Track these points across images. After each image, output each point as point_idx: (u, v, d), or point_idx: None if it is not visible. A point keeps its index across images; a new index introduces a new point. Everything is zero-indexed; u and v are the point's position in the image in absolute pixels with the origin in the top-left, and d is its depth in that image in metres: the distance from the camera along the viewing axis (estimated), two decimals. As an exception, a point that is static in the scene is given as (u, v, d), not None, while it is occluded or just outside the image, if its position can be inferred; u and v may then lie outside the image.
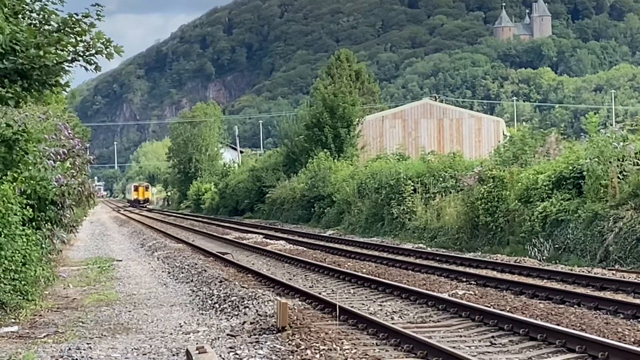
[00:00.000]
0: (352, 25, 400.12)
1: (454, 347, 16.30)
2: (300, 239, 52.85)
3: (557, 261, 33.47)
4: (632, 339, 16.72)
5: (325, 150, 79.89)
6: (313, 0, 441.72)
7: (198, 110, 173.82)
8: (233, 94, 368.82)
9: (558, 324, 18.36)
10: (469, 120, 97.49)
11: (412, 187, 53.56)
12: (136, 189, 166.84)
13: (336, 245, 45.90)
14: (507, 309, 21.00)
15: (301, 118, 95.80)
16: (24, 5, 21.32)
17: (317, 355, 16.41)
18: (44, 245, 33.26)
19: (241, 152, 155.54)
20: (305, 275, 31.83)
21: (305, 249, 45.15)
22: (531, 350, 16.72)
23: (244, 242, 50.77)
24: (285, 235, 56.13)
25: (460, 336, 18.40)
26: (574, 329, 17.70)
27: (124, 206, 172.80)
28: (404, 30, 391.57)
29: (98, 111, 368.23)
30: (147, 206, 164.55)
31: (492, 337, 18.24)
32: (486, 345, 17.27)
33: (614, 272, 29.38)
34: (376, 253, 39.74)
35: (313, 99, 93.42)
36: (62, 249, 44.33)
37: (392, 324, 19.40)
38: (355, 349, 16.93)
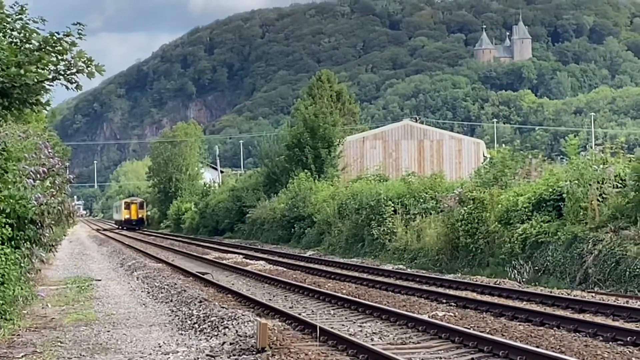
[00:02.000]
0: (333, 46, 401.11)
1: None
2: (281, 259, 52.93)
3: (537, 283, 33.50)
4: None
5: (305, 170, 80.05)
6: (294, 21, 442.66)
7: (179, 130, 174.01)
8: (214, 114, 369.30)
9: (538, 346, 18.41)
10: (450, 142, 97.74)
11: (393, 208, 53.61)
12: (127, 206, 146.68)
13: (316, 266, 45.96)
14: (487, 331, 21.05)
15: (282, 138, 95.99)
16: (4, 24, 21.31)
17: (299, 383, 16.47)
18: (22, 265, 33.18)
19: (221, 171, 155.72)
20: (286, 296, 31.84)
21: (285, 269, 45.18)
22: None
23: (224, 262, 50.81)
24: (265, 256, 56.19)
25: (440, 358, 18.43)
26: (553, 351, 17.74)
27: (109, 228, 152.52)
28: (385, 52, 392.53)
29: (78, 130, 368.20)
30: (142, 228, 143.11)
31: (472, 358, 18.29)
32: (467, 367, 17.33)
33: (593, 294, 29.42)
34: (356, 274, 39.79)
35: (294, 119, 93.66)
36: (40, 268, 44.20)
37: (372, 345, 19.42)
38: (337, 371, 16.99)
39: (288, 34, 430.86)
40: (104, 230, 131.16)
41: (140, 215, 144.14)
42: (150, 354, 20.20)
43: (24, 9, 22.25)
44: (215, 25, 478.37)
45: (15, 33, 21.57)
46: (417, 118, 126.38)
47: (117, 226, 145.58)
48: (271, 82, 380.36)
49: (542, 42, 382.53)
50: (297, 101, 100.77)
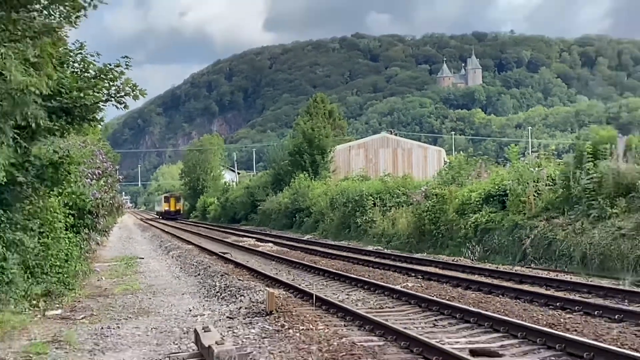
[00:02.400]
0: (325, 74, 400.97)
1: (405, 328, 16.35)
2: (285, 242, 52.73)
3: (486, 260, 33.58)
4: (544, 322, 16.82)
5: (304, 172, 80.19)
6: (295, 55, 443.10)
7: (205, 141, 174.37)
8: (232, 128, 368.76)
9: (486, 310, 18.45)
10: (417, 150, 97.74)
11: (372, 202, 53.63)
12: (167, 200, 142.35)
13: (313, 247, 45.83)
14: (447, 298, 21.08)
15: (286, 147, 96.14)
16: (68, 57, 21.30)
17: (298, 334, 16.45)
18: (82, 246, 33.29)
19: (238, 173, 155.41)
20: (289, 271, 31.84)
21: (288, 249, 45.11)
22: (466, 330, 16.81)
23: (240, 244, 50.69)
24: (272, 239, 55.97)
25: (410, 319, 18.49)
26: (499, 314, 17.80)
27: (152, 218, 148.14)
28: (366, 79, 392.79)
29: (126, 140, 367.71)
30: (177, 219, 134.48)
31: (435, 320, 18.38)
32: (430, 327, 17.37)
33: (530, 269, 29.48)
34: (344, 253, 39.71)
35: (295, 132, 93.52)
36: (96, 249, 44.23)
37: (357, 309, 19.47)
38: (328, 328, 16.99)
39: (290, 65, 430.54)
40: (147, 219, 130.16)
41: (177, 208, 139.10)
42: (182, 316, 20.23)
43: (83, 45, 22.21)
44: (233, 58, 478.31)
45: (76, 64, 21.56)
46: (392, 131, 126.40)
47: (158, 216, 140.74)
48: (277, 102, 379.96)
49: (490, 72, 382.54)
50: (298, 118, 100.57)
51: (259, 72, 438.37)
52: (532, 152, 50.34)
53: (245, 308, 20.98)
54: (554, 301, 20.25)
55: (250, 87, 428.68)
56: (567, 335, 14.74)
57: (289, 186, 79.48)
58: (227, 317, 19.73)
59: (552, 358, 13.81)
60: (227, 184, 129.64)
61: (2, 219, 22.30)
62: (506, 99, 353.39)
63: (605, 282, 23.82)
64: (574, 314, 18.51)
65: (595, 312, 18.37)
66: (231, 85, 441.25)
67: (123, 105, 22.31)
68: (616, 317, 17.64)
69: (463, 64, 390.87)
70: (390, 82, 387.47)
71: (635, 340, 14.68)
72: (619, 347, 13.57)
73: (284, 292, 23.31)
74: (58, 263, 25.45)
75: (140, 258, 40.92)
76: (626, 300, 20.08)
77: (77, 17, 20.64)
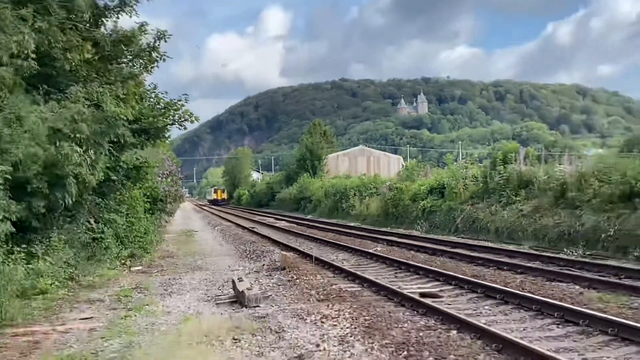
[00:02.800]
0: (321, 106, 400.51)
1: (375, 278, 16.35)
2: (293, 220, 52.63)
3: (430, 232, 33.57)
4: (470, 274, 16.85)
5: (307, 173, 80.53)
6: (300, 93, 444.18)
7: (239, 151, 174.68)
8: (258, 143, 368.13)
9: (431, 266, 18.45)
10: (384, 158, 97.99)
11: (353, 193, 53.73)
12: (215, 191, 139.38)
13: (312, 224, 45.79)
14: (404, 258, 21.02)
15: (294, 156, 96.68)
16: (145, 94, 21.34)
17: (302, 282, 16.48)
18: (155, 223, 33.47)
19: (262, 173, 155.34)
20: (296, 239, 31.78)
21: (296, 225, 45.07)
22: (417, 280, 16.81)
23: (263, 221, 50.71)
24: (285, 219, 55.92)
25: (379, 272, 18.47)
26: (439, 269, 17.79)
27: (203, 204, 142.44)
28: (349, 109, 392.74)
29: (185, 151, 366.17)
30: (223, 205, 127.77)
31: (396, 273, 18.35)
32: (393, 278, 17.34)
33: (460, 238, 29.49)
34: (334, 228, 39.67)
35: (300, 145, 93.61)
36: (165, 225, 44.25)
37: (343, 266, 19.47)
38: (323, 279, 17.01)
39: (297, 100, 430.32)
40: (200, 205, 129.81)
41: (222, 197, 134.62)
42: (224, 271, 20.19)
43: (155, 86, 22.28)
44: (259, 95, 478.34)
45: (151, 99, 21.60)
46: (367, 145, 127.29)
47: (209, 203, 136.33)
48: (288, 125, 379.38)
49: (433, 104, 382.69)
50: (302, 136, 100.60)
51: (276, 105, 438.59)
52: (461, 159, 50.24)
53: (267, 265, 21.03)
54: (476, 260, 20.29)
55: (270, 115, 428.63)
56: (486, 283, 14.78)
57: (296, 182, 79.65)
58: (254, 271, 19.74)
59: (476, 298, 13.84)
60: (254, 180, 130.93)
61: (101, 204, 22.36)
62: (444, 122, 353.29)
63: (511, 247, 23.83)
64: (490, 268, 18.55)
65: (505, 267, 18.41)
66: (257, 114, 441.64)
67: (183, 127, 22.40)
68: (519, 270, 17.68)
69: (415, 99, 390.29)
70: (365, 112, 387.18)
71: (532, 287, 14.73)
72: (520, 291, 13.63)
73: (293, 254, 23.27)
74: (139, 235, 25.60)
75: (195, 231, 40.88)
76: (526, 259, 20.10)
77: (151, 67, 20.62)
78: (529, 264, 18.62)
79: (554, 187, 27.54)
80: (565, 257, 19.89)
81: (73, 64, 16.79)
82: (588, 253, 21.12)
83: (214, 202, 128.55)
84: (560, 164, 30.24)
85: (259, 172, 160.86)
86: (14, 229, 13.42)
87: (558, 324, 11.10)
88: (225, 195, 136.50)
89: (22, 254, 14.36)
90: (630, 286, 14.17)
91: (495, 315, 12.06)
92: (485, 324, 10.78)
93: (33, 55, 14.18)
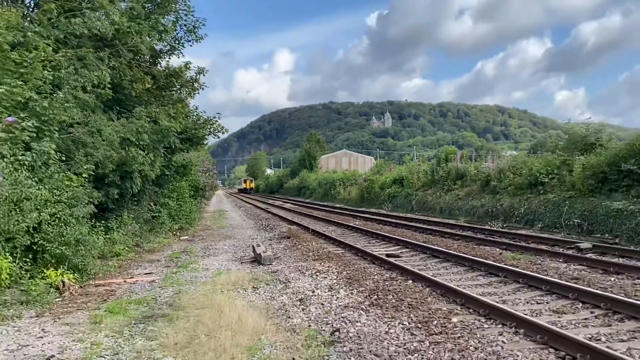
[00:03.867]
0: (316, 121, 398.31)
1: (354, 244, 16.34)
2: (296, 203, 52.50)
3: (394, 211, 33.53)
4: (422, 240, 16.83)
5: (306, 169, 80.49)
6: (301, 112, 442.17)
7: (257, 154, 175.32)
8: (271, 148, 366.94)
9: (394, 235, 18.43)
10: (360, 158, 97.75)
11: (339, 183, 53.64)
12: (245, 181, 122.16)
13: (309, 206, 45.67)
14: (374, 229, 21.00)
15: (297, 157, 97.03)
16: (190, 113, 21.25)
17: (302, 247, 16.45)
18: (197, 205, 33.28)
19: (274, 169, 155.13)
20: (298, 216, 31.70)
21: (298, 207, 44.98)
22: (384, 245, 16.77)
23: (274, 204, 50.59)
24: (290, 202, 55.78)
25: (357, 239, 18.39)
26: (400, 237, 17.76)
27: (233, 192, 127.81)
28: (335, 123, 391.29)
29: (219, 154, 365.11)
30: (250, 193, 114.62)
31: (369, 240, 18.28)
32: (367, 243, 17.31)
33: (415, 215, 29.48)
34: (325, 209, 39.58)
35: (301, 149, 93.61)
36: (204, 207, 44.12)
37: (331, 235, 19.43)
38: (317, 244, 16.97)
39: (299, 117, 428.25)
40: (230, 193, 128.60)
41: (251, 186, 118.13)
42: (246, 239, 20.15)
43: (197, 107, 22.14)
44: (271, 113, 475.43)
45: (193, 116, 21.49)
46: (348, 149, 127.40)
47: (239, 192, 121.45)
48: (292, 135, 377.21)
49: (396, 119, 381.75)
50: (303, 143, 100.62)
51: (284, 120, 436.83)
52: (416, 159, 50.16)
53: (277, 235, 20.98)
54: (426, 230, 20.28)
55: (279, 128, 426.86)
56: (433, 246, 14.78)
57: (298, 175, 79.60)
58: (268, 239, 19.70)
59: (425, 257, 13.84)
60: (268, 175, 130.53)
61: (158, 192, 22.32)
62: (404, 133, 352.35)
63: (451, 221, 23.84)
64: (435, 236, 18.55)
65: (446, 235, 18.42)
66: (270, 127, 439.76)
67: (217, 136, 22.27)
68: (456, 237, 17.67)
69: (383, 116, 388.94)
70: (347, 125, 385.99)
71: (465, 249, 14.74)
72: (457, 252, 13.63)
73: (296, 227, 23.23)
74: (185, 213, 25.52)
75: (225, 211, 40.77)
76: (461, 230, 20.12)
77: (194, 94, 20.55)
78: (463, 233, 18.64)
79: (481, 178, 27.61)
80: (489, 228, 19.92)
81: (137, 91, 16.82)
82: (505, 225, 21.19)
83: (243, 191, 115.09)
84: (485, 162, 30.28)
85: (271, 168, 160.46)
86: (96, 210, 13.51)
87: (484, 276, 11.13)
88: (253, 185, 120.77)
89: (102, 228, 14.41)
90: (534, 248, 14.22)
91: (439, 270, 12.08)
92: (432, 276, 10.81)
93: (109, 86, 14.24)
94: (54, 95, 12.06)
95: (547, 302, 8.75)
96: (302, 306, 8.91)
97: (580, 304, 8.45)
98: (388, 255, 13.96)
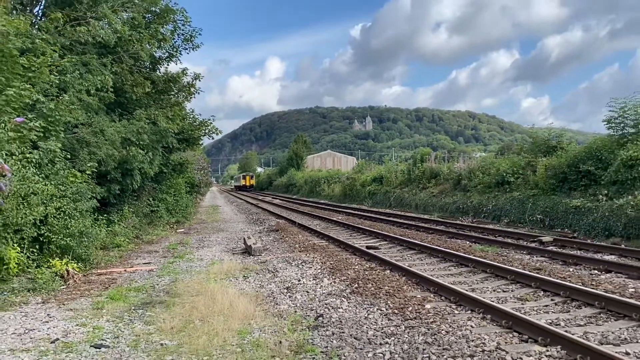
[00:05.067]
0: (303, 125, 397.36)
1: (337, 236, 16.36)
2: (284, 199, 52.47)
3: (374, 207, 33.60)
4: (399, 234, 16.87)
5: (293, 168, 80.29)
6: (289, 115, 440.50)
7: (248, 154, 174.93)
8: (261, 148, 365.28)
9: (373, 228, 18.46)
10: (343, 158, 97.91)
11: (324, 181, 53.64)
12: (244, 177, 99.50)
13: (296, 201, 45.66)
14: (356, 223, 21.03)
15: (286, 156, 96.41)
16: (186, 115, 21.13)
17: (289, 239, 16.40)
18: (193, 200, 33.07)
19: (264, 168, 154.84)
20: (286, 212, 31.64)
21: (285, 202, 44.92)
22: (365, 238, 16.80)
23: (264, 199, 50.47)
24: (278, 197, 55.75)
25: (340, 233, 18.42)
26: (379, 230, 17.81)
27: (226, 190, 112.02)
28: (321, 127, 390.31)
29: (213, 153, 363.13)
30: (250, 190, 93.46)
31: (351, 233, 18.30)
32: (349, 236, 17.32)
33: (393, 210, 29.54)
34: (310, 204, 39.58)
35: (289, 150, 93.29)
36: (199, 202, 43.90)
37: (316, 228, 19.41)
38: (303, 237, 16.94)
39: (288, 119, 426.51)
40: (223, 189, 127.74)
41: (251, 183, 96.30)
42: (238, 232, 20.07)
43: (193, 110, 22.07)
44: (262, 117, 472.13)
45: (190, 118, 21.38)
46: (332, 150, 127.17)
47: (236, 189, 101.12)
48: (281, 137, 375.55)
49: (376, 123, 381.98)
50: (291, 144, 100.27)
51: (274, 123, 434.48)
52: (394, 159, 50.37)
53: (267, 228, 20.93)
54: (403, 225, 20.36)
55: (269, 130, 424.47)
56: (409, 239, 14.83)
57: (286, 174, 79.35)
58: (258, 232, 19.65)
59: (402, 249, 13.89)
60: (259, 173, 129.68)
61: (157, 188, 22.19)
62: (383, 135, 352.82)
63: (425, 217, 23.97)
64: (411, 230, 18.62)
65: (421, 229, 18.49)
66: (260, 129, 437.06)
67: (211, 137, 22.19)
68: (430, 231, 17.76)
69: (364, 120, 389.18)
70: (331, 128, 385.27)
71: (438, 242, 14.79)
72: (430, 245, 13.69)
73: (284, 221, 23.22)
74: (182, 208, 25.39)
75: (219, 206, 40.60)
76: (434, 224, 20.22)
77: (190, 98, 20.45)
78: (436, 227, 18.73)
79: (453, 177, 27.74)
80: (460, 222, 20.04)
81: (138, 95, 16.68)
82: (475, 220, 21.33)
83: (242, 189, 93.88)
84: (457, 163, 30.46)
85: (262, 167, 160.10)
86: (98, 204, 13.40)
87: (455, 266, 11.20)
88: (253, 182, 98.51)
89: (104, 221, 14.28)
90: (501, 241, 14.33)
91: (414, 261, 12.13)
92: (408, 266, 10.85)
93: (111, 89, 14.13)
94: (60, 97, 11.97)
95: (512, 291, 8.82)
96: (288, 293, 8.90)
97: (542, 292, 8.54)
98: (368, 247, 14.00)
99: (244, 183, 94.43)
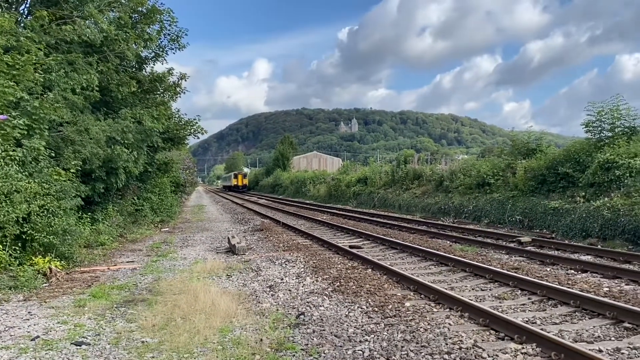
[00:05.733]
0: (290, 126, 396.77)
1: (321, 236, 16.34)
2: (269, 199, 52.39)
3: (358, 207, 33.63)
4: (382, 233, 16.89)
5: (280, 168, 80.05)
6: (276, 116, 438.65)
7: (235, 154, 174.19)
8: (248, 148, 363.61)
9: (357, 228, 18.47)
10: (329, 159, 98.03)
11: (309, 181, 53.60)
12: (235, 176, 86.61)
13: (282, 202, 45.60)
14: (340, 223, 21.03)
15: (272, 157, 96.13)
16: (172, 114, 21.00)
17: (274, 239, 16.37)
18: (178, 200, 32.86)
19: (250, 168, 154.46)
20: (271, 211, 31.56)
21: (271, 202, 44.81)
22: (348, 237, 16.79)
23: (250, 199, 50.31)
24: (264, 198, 55.65)
25: (324, 232, 18.41)
26: (362, 230, 17.81)
27: (213, 190, 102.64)
28: (307, 128, 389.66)
29: (199, 153, 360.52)
30: (245, 192, 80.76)
31: (335, 232, 18.30)
32: (333, 235, 17.33)
33: (376, 211, 29.58)
34: (295, 204, 39.56)
35: (276, 150, 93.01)
36: (184, 201, 43.63)
37: (301, 228, 19.38)
38: (287, 236, 16.91)
39: (274, 121, 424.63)
40: (209, 189, 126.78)
41: (244, 183, 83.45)
42: (222, 231, 19.98)
43: (179, 110, 21.94)
44: (249, 117, 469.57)
45: (176, 118, 21.25)
46: (318, 151, 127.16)
47: (225, 190, 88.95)
48: (268, 137, 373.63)
49: (362, 125, 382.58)
50: (277, 144, 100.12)
51: (260, 124, 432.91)
52: (378, 160, 50.52)
53: (252, 227, 20.85)
54: (386, 224, 20.41)
55: (256, 130, 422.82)
56: (391, 239, 14.87)
57: (272, 174, 79.07)
58: (243, 231, 19.58)
59: (384, 249, 13.92)
60: (246, 173, 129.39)
61: (142, 187, 22.01)
62: (368, 137, 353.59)
63: (408, 217, 24.05)
64: (394, 229, 18.66)
65: (403, 229, 18.55)
66: (247, 129, 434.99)
67: (197, 137, 22.07)
68: (412, 231, 17.82)
69: (350, 122, 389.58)
70: (317, 129, 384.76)
71: (420, 242, 14.85)
72: (412, 244, 13.74)
73: (269, 221, 23.17)
74: (167, 207, 25.19)
75: (204, 205, 40.38)
76: (416, 224, 20.29)
77: (176, 97, 20.35)
78: (418, 227, 18.81)
79: (435, 179, 27.89)
80: (441, 223, 20.13)
81: (123, 94, 16.53)
82: (456, 221, 21.44)
83: (233, 189, 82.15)
84: (439, 165, 30.64)
85: (248, 167, 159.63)
86: (83, 203, 13.27)
87: (435, 265, 11.25)
88: (246, 181, 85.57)
89: (88, 219, 14.15)
90: (481, 241, 14.42)
91: (396, 260, 12.16)
92: (389, 265, 10.87)
93: (97, 88, 14.01)
94: (45, 96, 11.83)
95: (490, 289, 8.88)
96: (271, 292, 8.87)
97: (520, 291, 8.60)
98: (351, 247, 14.01)
99: (235, 183, 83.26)
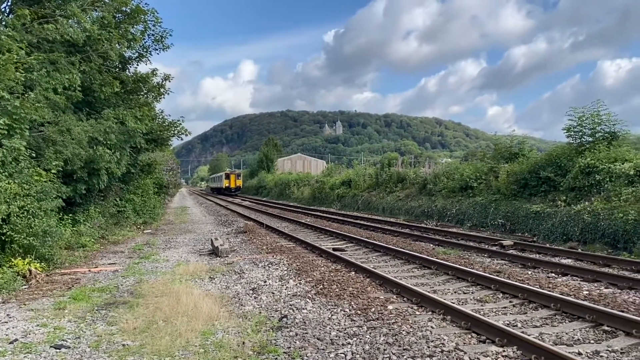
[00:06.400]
0: (275, 127, 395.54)
1: (305, 239, 16.32)
2: (254, 201, 52.22)
3: (342, 210, 33.64)
4: (366, 236, 16.91)
5: (264, 170, 79.90)
6: (261, 118, 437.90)
7: (219, 156, 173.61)
8: (232, 150, 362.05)
9: (341, 231, 18.48)
10: (314, 161, 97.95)
11: (293, 183, 53.54)
12: (227, 176, 73.68)
13: (266, 204, 45.46)
14: (324, 226, 21.05)
15: (256, 159, 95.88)
16: (156, 115, 20.84)
17: (257, 241, 16.33)
18: (161, 201, 32.59)
19: (235, 170, 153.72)
20: (255, 213, 31.45)
21: (255, 204, 44.66)
22: (332, 240, 16.80)
23: (234, 202, 50.12)
24: (248, 200, 55.45)
25: (307, 235, 18.41)
26: (346, 232, 17.83)
27: (196, 191, 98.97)
28: (292, 130, 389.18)
29: (183, 154, 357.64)
30: (238, 194, 72.16)
31: (318, 235, 18.30)
32: (316, 239, 17.31)
33: (360, 213, 29.61)
34: (279, 206, 39.43)
35: (260, 152, 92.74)
36: (167, 203, 43.29)
37: (284, 230, 19.33)
38: (271, 239, 16.88)
39: (259, 123, 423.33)
40: (192, 191, 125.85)
41: (237, 184, 72.22)
42: (206, 233, 19.88)
43: (162, 111, 21.75)
44: (234, 119, 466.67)
45: (159, 119, 21.10)
46: (303, 153, 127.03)
47: (213, 193, 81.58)
48: (252, 139, 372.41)
49: (346, 128, 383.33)
50: (262, 146, 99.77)
51: (245, 126, 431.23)
52: (362, 163, 50.62)
53: (235, 230, 20.76)
54: (370, 227, 20.44)
55: (240, 132, 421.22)
56: (374, 242, 14.90)
57: (257, 176, 78.86)
58: (226, 233, 19.49)
59: (368, 251, 13.95)
60: (239, 173, 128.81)
61: (124, 188, 21.82)
62: (352, 140, 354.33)
63: (392, 220, 24.12)
64: (378, 232, 18.72)
65: (387, 232, 18.61)
66: (232, 131, 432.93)
67: (180, 138, 21.95)
68: (395, 234, 17.90)
69: (334, 124, 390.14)
70: (302, 131, 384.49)
71: (403, 244, 14.91)
72: (396, 247, 13.78)
73: (252, 223, 23.08)
74: (149, 209, 25.00)
75: (188, 207, 40.11)
76: (400, 227, 20.36)
77: (160, 98, 20.21)
78: (402, 230, 18.87)
79: (419, 182, 28.03)
80: (424, 226, 20.24)
81: (106, 94, 16.37)
82: (439, 224, 21.57)
83: (224, 192, 73.12)
84: (423, 168, 30.80)
85: (232, 169, 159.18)
86: (64, 204, 13.10)
87: (418, 268, 11.30)
88: (240, 183, 74.66)
89: (69, 220, 14.00)
90: (463, 245, 14.52)
91: (379, 263, 12.19)
92: (372, 268, 10.90)
93: (79, 88, 13.85)
94: (26, 95, 11.66)
95: (472, 292, 8.94)
96: (254, 295, 8.83)
97: (501, 294, 8.68)
98: (335, 249, 14.02)
99: (226, 185, 72.94)
